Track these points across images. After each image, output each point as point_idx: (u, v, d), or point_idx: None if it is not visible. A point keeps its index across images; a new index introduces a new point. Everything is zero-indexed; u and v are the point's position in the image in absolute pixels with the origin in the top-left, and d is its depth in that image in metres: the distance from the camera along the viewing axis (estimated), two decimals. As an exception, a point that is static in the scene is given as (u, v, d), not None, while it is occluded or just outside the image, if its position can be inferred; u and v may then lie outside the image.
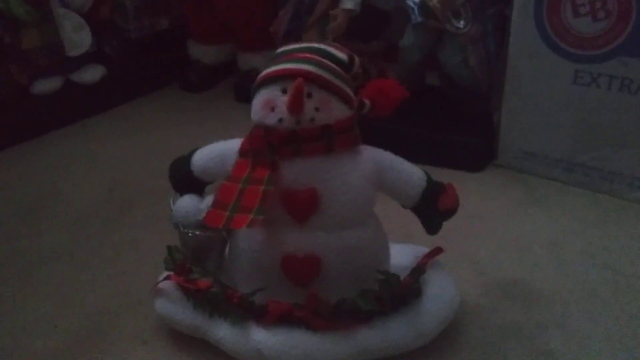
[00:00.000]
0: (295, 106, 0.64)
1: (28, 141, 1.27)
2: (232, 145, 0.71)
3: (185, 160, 0.76)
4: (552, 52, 0.99)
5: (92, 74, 1.35)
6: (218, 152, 0.73)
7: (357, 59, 0.69)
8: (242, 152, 0.69)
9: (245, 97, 1.37)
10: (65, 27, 1.26)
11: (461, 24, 1.05)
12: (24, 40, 1.23)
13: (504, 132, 1.10)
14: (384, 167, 0.70)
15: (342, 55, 0.68)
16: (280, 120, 0.66)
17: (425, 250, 0.75)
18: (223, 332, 0.70)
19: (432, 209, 0.72)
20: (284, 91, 0.65)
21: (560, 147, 1.04)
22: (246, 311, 0.69)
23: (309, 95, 0.65)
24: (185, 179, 0.76)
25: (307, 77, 0.65)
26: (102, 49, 1.38)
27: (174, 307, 0.73)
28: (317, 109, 0.65)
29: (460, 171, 1.09)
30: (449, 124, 1.15)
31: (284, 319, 0.68)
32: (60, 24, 1.26)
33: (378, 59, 1.25)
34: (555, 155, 1.05)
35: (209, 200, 0.72)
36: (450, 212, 0.73)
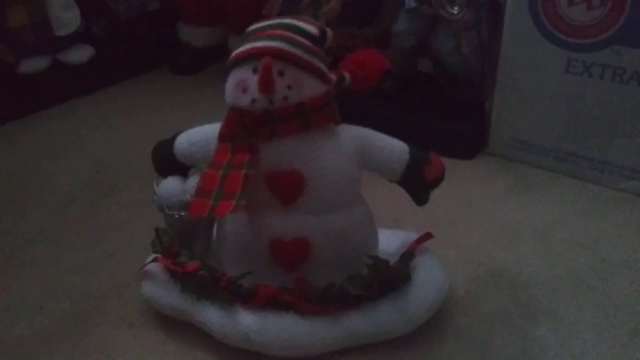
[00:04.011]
0: (266, 85, 0.63)
1: (14, 121, 1.26)
2: (214, 129, 0.70)
3: (168, 143, 0.75)
4: (545, 40, 0.98)
5: (80, 54, 1.33)
6: (200, 136, 0.72)
7: (329, 33, 0.68)
8: (222, 136, 0.68)
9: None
10: (53, 5, 1.24)
11: (455, 10, 1.04)
12: (11, 18, 1.21)
13: (495, 120, 1.09)
14: (366, 144, 0.69)
15: (313, 29, 0.66)
16: (253, 101, 0.64)
17: (414, 236, 0.75)
18: (210, 315, 0.70)
19: (419, 180, 0.71)
20: (255, 71, 0.64)
21: (551, 136, 1.04)
22: (234, 295, 0.69)
23: (281, 74, 0.64)
24: (168, 163, 0.75)
25: (277, 54, 0.63)
26: (91, 29, 1.36)
27: (160, 290, 0.73)
28: (289, 87, 0.64)
29: (451, 159, 1.09)
30: (440, 111, 1.14)
31: (272, 303, 0.68)
32: (49, 2, 1.24)
33: (371, 44, 1.24)
34: (546, 144, 1.05)
35: (192, 180, 0.72)
36: (437, 181, 0.72)
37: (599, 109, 0.98)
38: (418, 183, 0.71)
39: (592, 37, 0.94)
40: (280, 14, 1.20)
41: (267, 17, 1.20)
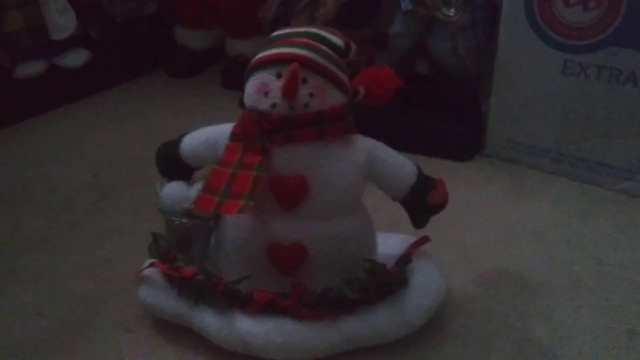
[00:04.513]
0: (290, 91, 0.63)
1: (10, 126, 1.25)
2: (223, 130, 0.70)
3: (174, 144, 0.75)
4: (541, 41, 0.98)
5: (76, 58, 1.32)
6: (208, 136, 0.72)
7: (353, 46, 0.68)
8: (234, 136, 0.68)
9: (232, 83, 1.39)
10: (49, 9, 1.24)
11: (451, 12, 1.05)
12: (7, 23, 1.20)
13: (492, 122, 1.09)
14: (376, 158, 0.69)
15: (339, 41, 0.67)
16: (274, 105, 0.64)
17: (412, 239, 0.75)
18: (207, 320, 0.70)
19: (421, 203, 0.71)
20: (279, 76, 0.64)
21: (548, 137, 1.04)
22: (231, 299, 0.69)
23: (304, 81, 0.64)
24: (173, 164, 0.75)
25: (303, 62, 0.63)
26: (87, 33, 1.36)
27: (158, 295, 0.72)
28: (311, 95, 0.64)
29: (448, 160, 1.09)
30: (437, 112, 1.14)
31: (269, 307, 0.68)
32: (45, 6, 1.24)
33: (368, 46, 1.24)
34: (543, 146, 1.05)
35: (197, 187, 0.72)
36: (438, 207, 0.72)
37: (595, 110, 0.98)
38: (420, 206, 0.72)
39: (588, 39, 0.94)
40: (276, 17, 1.20)
41: (263, 20, 1.22)
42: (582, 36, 0.94)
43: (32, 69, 1.26)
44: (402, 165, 0.70)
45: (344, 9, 1.14)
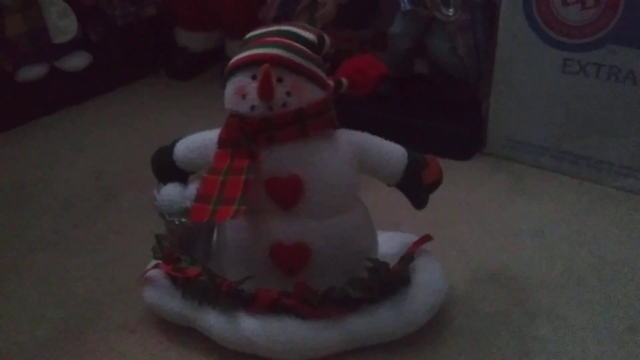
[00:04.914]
0: (265, 92, 0.63)
1: (13, 129, 1.26)
2: (213, 135, 0.70)
3: (168, 150, 0.75)
4: (540, 40, 0.99)
5: (77, 61, 1.33)
6: (200, 142, 0.73)
7: (327, 39, 0.68)
8: (220, 142, 0.68)
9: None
10: (50, 13, 1.24)
11: (450, 12, 1.05)
12: (8, 27, 1.21)
13: (492, 121, 1.10)
14: (364, 149, 0.70)
15: (311, 36, 0.67)
16: (253, 107, 0.65)
17: (413, 238, 0.75)
18: (212, 320, 0.70)
19: (417, 183, 0.72)
20: (254, 77, 0.65)
21: (549, 135, 1.04)
22: (235, 299, 0.69)
23: (280, 80, 0.64)
24: (168, 170, 0.75)
25: (276, 61, 0.64)
26: (88, 36, 1.37)
27: (162, 297, 0.73)
28: (288, 94, 0.64)
29: (448, 159, 1.09)
30: (437, 112, 1.14)
31: (273, 307, 0.68)
32: (46, 10, 1.24)
33: (367, 47, 1.24)
34: (543, 144, 1.06)
35: (193, 187, 0.72)
36: (435, 184, 0.73)
37: (595, 108, 0.98)
38: (416, 186, 0.72)
39: (587, 37, 0.94)
40: (276, 18, 1.20)
41: (263, 21, 1.22)
42: (581, 35, 0.95)
43: (34, 72, 1.27)
44: (391, 151, 0.71)
45: (343, 10, 1.14)
